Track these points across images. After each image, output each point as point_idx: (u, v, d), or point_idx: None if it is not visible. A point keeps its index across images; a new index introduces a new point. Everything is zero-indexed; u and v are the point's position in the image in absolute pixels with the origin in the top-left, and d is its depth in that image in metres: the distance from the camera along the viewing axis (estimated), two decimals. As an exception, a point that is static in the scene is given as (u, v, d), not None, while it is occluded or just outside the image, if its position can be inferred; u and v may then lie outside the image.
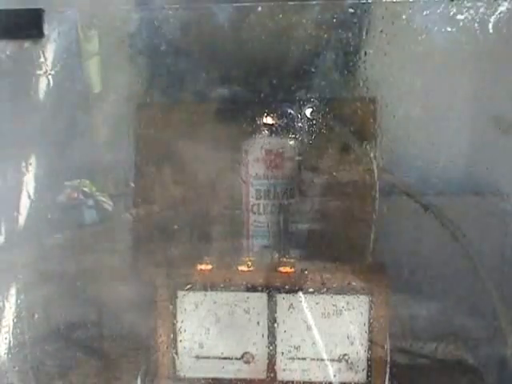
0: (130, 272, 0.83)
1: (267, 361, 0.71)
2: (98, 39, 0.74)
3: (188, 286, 0.71)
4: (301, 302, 0.70)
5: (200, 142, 0.78)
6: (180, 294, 0.72)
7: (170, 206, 0.82)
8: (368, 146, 0.73)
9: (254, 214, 0.75)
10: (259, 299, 0.71)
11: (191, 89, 0.77)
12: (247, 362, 0.71)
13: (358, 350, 0.70)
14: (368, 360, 0.70)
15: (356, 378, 0.70)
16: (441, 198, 0.71)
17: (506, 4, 0.63)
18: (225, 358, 0.72)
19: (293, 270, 0.71)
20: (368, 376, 0.70)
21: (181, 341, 0.72)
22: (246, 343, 0.71)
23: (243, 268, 0.72)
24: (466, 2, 0.64)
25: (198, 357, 0.72)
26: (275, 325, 0.71)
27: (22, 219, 0.74)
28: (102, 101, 0.80)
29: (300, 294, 0.70)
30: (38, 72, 0.71)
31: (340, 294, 0.70)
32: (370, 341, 0.70)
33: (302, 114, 0.73)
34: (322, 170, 0.75)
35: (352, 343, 0.70)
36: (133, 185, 0.80)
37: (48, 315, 0.81)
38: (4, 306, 0.74)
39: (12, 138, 0.74)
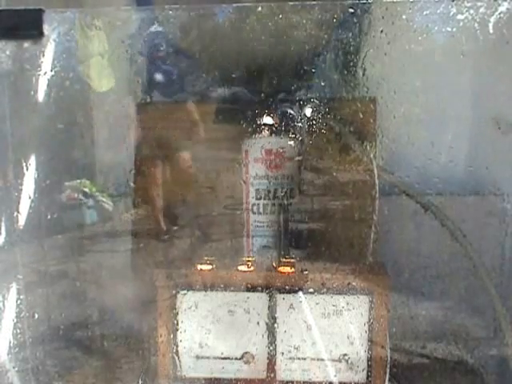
0: (130, 272, 0.83)
1: (267, 361, 0.71)
2: (98, 39, 0.74)
3: (188, 287, 0.72)
4: (301, 302, 0.70)
5: (200, 142, 0.78)
6: (180, 294, 0.72)
7: (170, 206, 0.82)
8: (368, 146, 0.73)
9: (254, 213, 0.75)
10: (259, 299, 0.71)
11: (191, 89, 0.77)
12: (247, 362, 0.71)
13: (358, 350, 0.70)
14: (368, 360, 0.70)
15: (356, 378, 0.70)
16: (441, 198, 0.71)
17: (505, 4, 0.63)
18: (225, 358, 0.72)
19: (293, 270, 0.71)
20: (368, 376, 0.70)
21: (181, 341, 0.72)
22: (246, 343, 0.71)
23: (243, 268, 0.72)
24: (466, 2, 0.64)
25: (198, 357, 0.73)
26: (275, 325, 0.71)
27: (22, 219, 0.74)
28: (101, 101, 0.80)
29: (300, 293, 0.70)
30: (38, 72, 0.71)
31: (340, 294, 0.70)
32: (370, 341, 0.70)
33: (302, 114, 0.73)
34: (322, 170, 0.75)
35: (352, 343, 0.70)
36: (133, 184, 0.80)
37: (48, 315, 0.81)
38: (4, 306, 0.74)
39: (12, 138, 0.74)
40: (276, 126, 0.74)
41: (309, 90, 0.73)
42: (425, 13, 0.66)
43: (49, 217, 0.76)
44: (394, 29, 0.66)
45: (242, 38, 0.70)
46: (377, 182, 0.72)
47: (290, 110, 0.74)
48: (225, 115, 0.77)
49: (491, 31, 0.65)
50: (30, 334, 0.76)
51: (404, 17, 0.66)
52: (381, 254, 0.75)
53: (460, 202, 0.74)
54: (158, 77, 0.78)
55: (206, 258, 0.74)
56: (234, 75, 0.73)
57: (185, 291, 0.72)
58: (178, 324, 0.72)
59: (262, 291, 0.71)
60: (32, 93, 0.72)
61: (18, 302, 0.75)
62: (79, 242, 0.89)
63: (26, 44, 0.68)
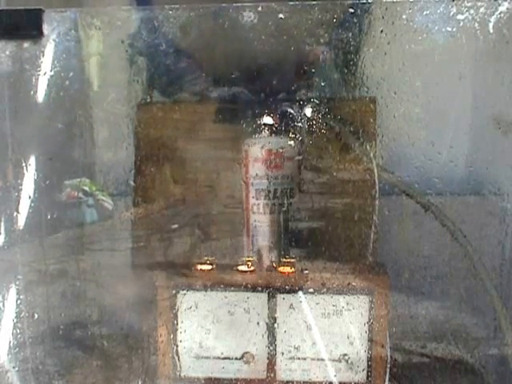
0: (130, 272, 0.83)
1: (267, 361, 0.71)
2: (98, 39, 0.74)
3: (188, 286, 0.72)
4: (301, 302, 0.70)
5: (200, 142, 0.78)
6: (180, 293, 0.72)
7: (170, 206, 0.82)
8: (368, 146, 0.73)
9: (254, 213, 0.75)
10: (259, 299, 0.71)
11: (191, 89, 0.77)
12: (247, 362, 0.71)
13: (358, 350, 0.70)
14: (368, 360, 0.70)
15: (356, 378, 0.71)
16: (441, 198, 0.71)
17: (506, 4, 0.63)
18: (225, 358, 0.72)
19: (293, 270, 0.71)
20: (368, 376, 0.70)
21: (181, 341, 0.72)
22: (246, 343, 0.72)
23: (243, 268, 0.72)
24: (466, 2, 0.64)
25: (198, 357, 0.73)
26: (275, 325, 0.71)
27: (21, 219, 0.74)
28: (101, 100, 0.80)
29: (300, 293, 0.70)
30: (38, 72, 0.71)
31: (340, 294, 0.70)
32: (370, 341, 0.70)
33: (302, 114, 0.73)
34: (322, 170, 0.75)
35: (352, 343, 0.70)
36: (133, 184, 0.80)
37: (48, 315, 0.81)
38: (4, 306, 0.74)
39: (12, 138, 0.74)
40: (276, 126, 0.74)
41: (309, 90, 0.73)
42: (425, 13, 0.66)
43: (49, 216, 0.76)
44: (394, 29, 0.66)
45: (242, 37, 0.70)
46: (377, 181, 0.72)
47: (290, 110, 0.74)
48: (225, 115, 0.77)
49: (491, 31, 0.64)
50: (30, 333, 0.76)
51: (404, 17, 0.66)
52: (381, 254, 0.75)
53: (460, 202, 0.74)
54: (158, 77, 0.77)
55: (206, 258, 0.74)
56: (234, 75, 0.73)
57: (185, 291, 0.72)
58: (177, 324, 0.72)
59: (262, 291, 0.71)
60: (32, 93, 0.72)
61: (18, 302, 0.75)
62: (79, 240, 0.89)
63: (26, 44, 0.68)
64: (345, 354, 0.70)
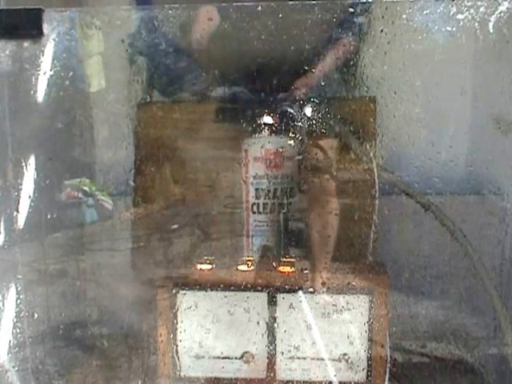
0: (130, 272, 0.83)
1: (267, 360, 0.71)
2: (98, 39, 0.74)
3: (188, 286, 0.72)
4: (301, 301, 0.70)
5: (200, 142, 0.78)
6: (180, 293, 0.72)
7: (170, 206, 0.82)
8: (368, 146, 0.73)
9: (254, 213, 0.75)
10: (259, 299, 0.71)
11: (191, 89, 0.77)
12: (247, 362, 0.71)
13: (358, 350, 0.70)
14: (368, 360, 0.70)
15: (356, 378, 0.71)
16: (441, 198, 0.71)
17: (505, 4, 0.63)
18: (225, 358, 0.72)
19: (293, 270, 0.71)
20: (368, 376, 0.70)
21: (181, 340, 0.72)
22: (245, 343, 0.72)
23: (243, 268, 0.72)
24: (466, 2, 0.64)
25: (197, 356, 0.73)
26: (275, 324, 0.71)
27: (21, 219, 0.74)
28: (101, 100, 0.80)
29: (300, 293, 0.70)
30: (38, 72, 0.71)
31: (340, 293, 0.70)
32: (370, 340, 0.70)
33: (302, 113, 0.73)
34: (322, 170, 0.75)
35: (352, 343, 0.70)
36: (133, 184, 0.80)
37: (48, 315, 0.81)
38: (4, 306, 0.74)
39: (12, 138, 0.74)
40: (276, 125, 0.74)
41: (309, 89, 0.73)
42: (425, 12, 0.66)
43: (49, 216, 0.76)
44: (393, 28, 0.66)
45: (242, 37, 0.70)
46: (377, 181, 0.72)
47: (290, 110, 0.74)
48: (225, 115, 0.77)
49: (491, 31, 0.64)
50: (30, 333, 0.76)
51: (404, 16, 0.66)
52: (381, 253, 0.75)
53: (460, 202, 0.74)
54: (158, 77, 0.77)
55: (206, 258, 0.74)
56: (234, 75, 0.73)
57: (185, 291, 0.72)
58: (177, 324, 0.72)
59: (261, 291, 0.71)
60: (32, 93, 0.72)
61: (18, 301, 0.75)
62: (79, 240, 0.89)
63: (26, 44, 0.68)
64: (345, 354, 0.70)
